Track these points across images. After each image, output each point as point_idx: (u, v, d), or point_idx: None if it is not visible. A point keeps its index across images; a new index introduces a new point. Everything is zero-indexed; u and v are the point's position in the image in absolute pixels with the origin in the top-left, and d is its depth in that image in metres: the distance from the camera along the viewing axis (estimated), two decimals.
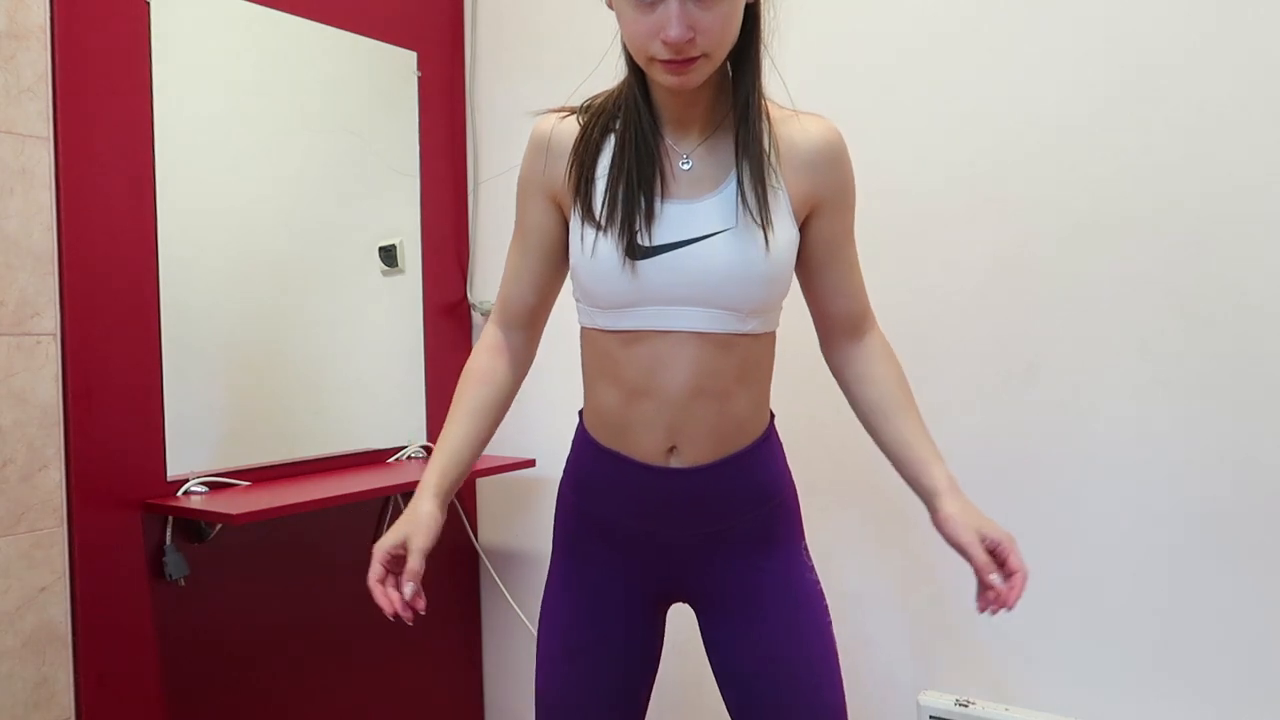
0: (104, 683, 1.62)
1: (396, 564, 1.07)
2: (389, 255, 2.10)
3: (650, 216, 1.04)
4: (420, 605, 1.06)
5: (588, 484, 1.18)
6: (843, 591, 1.79)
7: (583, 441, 1.19)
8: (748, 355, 1.09)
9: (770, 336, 1.14)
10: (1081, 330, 1.56)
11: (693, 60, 0.97)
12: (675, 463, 1.11)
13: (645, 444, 1.11)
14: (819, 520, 1.78)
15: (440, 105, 2.20)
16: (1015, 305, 1.61)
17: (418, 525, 1.08)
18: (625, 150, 1.06)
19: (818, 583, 1.18)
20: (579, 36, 2.08)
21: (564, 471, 1.23)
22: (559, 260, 1.17)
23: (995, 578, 1.03)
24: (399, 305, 2.13)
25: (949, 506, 1.08)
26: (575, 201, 1.08)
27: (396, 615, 1.05)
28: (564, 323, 2.13)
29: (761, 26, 1.03)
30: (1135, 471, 1.53)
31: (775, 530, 1.16)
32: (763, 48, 1.04)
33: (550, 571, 1.24)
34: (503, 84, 2.22)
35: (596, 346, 1.13)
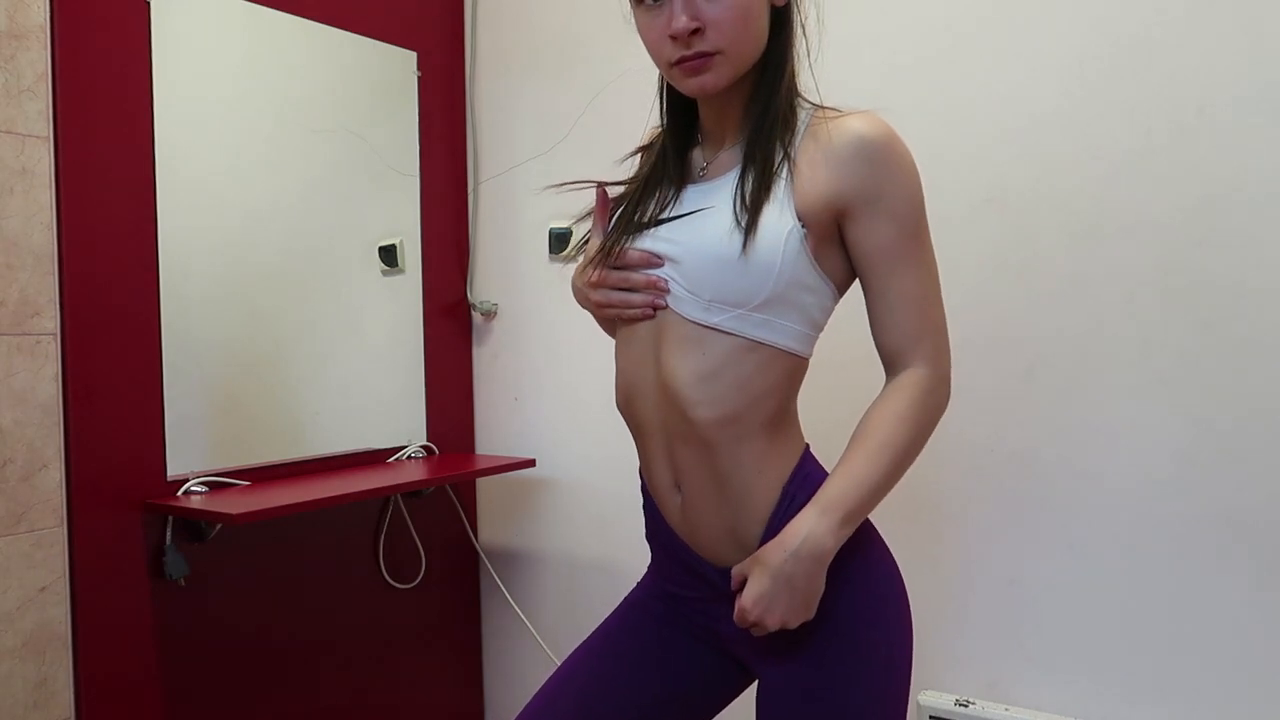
0: (104, 683, 1.62)
1: None
2: (389, 255, 2.10)
3: (656, 200, 1.06)
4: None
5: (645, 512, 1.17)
6: None
7: None
8: (712, 363, 1.00)
9: (750, 355, 1.00)
10: (1081, 330, 1.56)
11: (707, 58, 0.97)
12: (678, 509, 1.07)
13: (653, 475, 1.09)
14: None
15: (440, 105, 2.20)
16: (1015, 305, 1.61)
17: None
18: (658, 155, 1.10)
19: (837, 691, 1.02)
20: (579, 36, 2.08)
21: None
22: None
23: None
24: (399, 305, 2.13)
25: (769, 548, 0.97)
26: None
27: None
28: (564, 323, 2.14)
29: (794, 31, 1.03)
30: (1136, 471, 1.52)
31: (820, 652, 1.02)
32: (794, 53, 1.04)
33: None
34: (503, 84, 2.22)
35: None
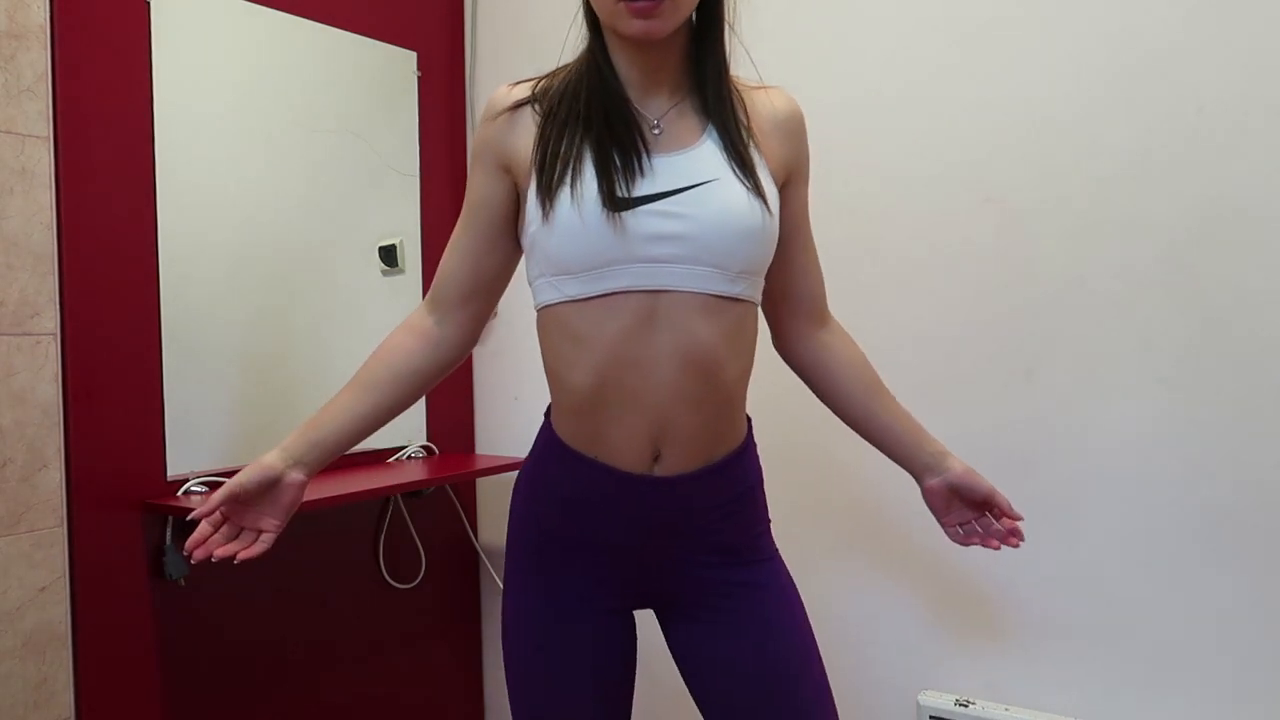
0: (104, 683, 1.62)
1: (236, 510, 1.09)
2: (389, 255, 2.10)
3: (629, 167, 0.99)
4: (223, 553, 1.07)
5: (555, 494, 1.09)
6: (842, 591, 1.79)
7: (548, 443, 1.09)
8: (734, 326, 1.02)
9: (754, 310, 1.07)
10: (1081, 330, 1.56)
11: (660, 1, 0.93)
12: (659, 471, 1.03)
13: (625, 450, 1.02)
14: (818, 519, 1.78)
15: (440, 105, 2.20)
16: (1015, 305, 1.61)
17: (248, 467, 1.09)
18: (593, 105, 1.01)
19: (788, 574, 1.13)
20: (579, 36, 2.08)
21: (521, 476, 1.14)
22: (501, 237, 1.10)
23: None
24: (399, 305, 2.13)
25: (960, 463, 1.17)
26: (535, 160, 1.02)
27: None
28: None
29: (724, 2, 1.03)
30: (1136, 471, 1.53)
31: (749, 527, 1.11)
32: (726, 21, 1.03)
33: (507, 591, 1.13)
34: (502, 84, 2.21)
35: (565, 327, 1.02)
